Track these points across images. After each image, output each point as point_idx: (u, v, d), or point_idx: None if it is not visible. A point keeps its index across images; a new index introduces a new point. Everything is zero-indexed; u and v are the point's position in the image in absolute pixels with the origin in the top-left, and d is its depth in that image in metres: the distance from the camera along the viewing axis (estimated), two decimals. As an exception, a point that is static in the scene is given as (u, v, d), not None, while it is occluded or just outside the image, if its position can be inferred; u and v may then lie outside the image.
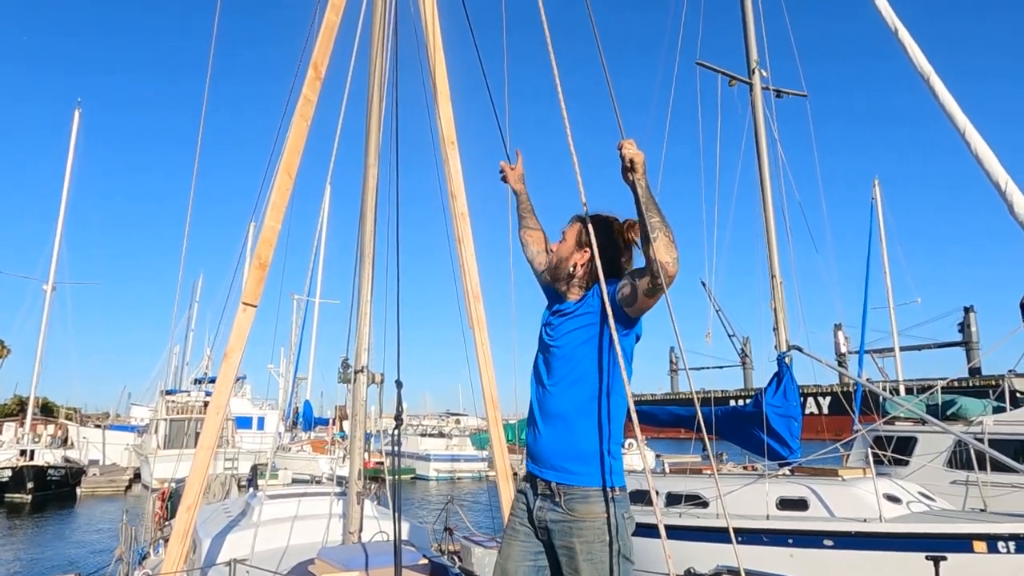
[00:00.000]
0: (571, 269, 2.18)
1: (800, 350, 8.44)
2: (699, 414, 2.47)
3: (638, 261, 2.09)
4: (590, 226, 2.13)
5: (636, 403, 2.18)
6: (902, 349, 22.54)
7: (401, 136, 5.19)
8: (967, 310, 49.14)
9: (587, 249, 2.14)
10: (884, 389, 15.87)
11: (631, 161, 1.89)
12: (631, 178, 1.91)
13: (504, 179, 2.64)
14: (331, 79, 4.89)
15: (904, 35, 6.75)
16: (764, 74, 9.00)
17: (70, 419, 33.49)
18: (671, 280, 1.91)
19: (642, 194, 1.91)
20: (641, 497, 7.97)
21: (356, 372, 3.88)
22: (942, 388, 10.89)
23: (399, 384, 2.83)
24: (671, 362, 66.94)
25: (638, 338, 2.12)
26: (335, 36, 4.56)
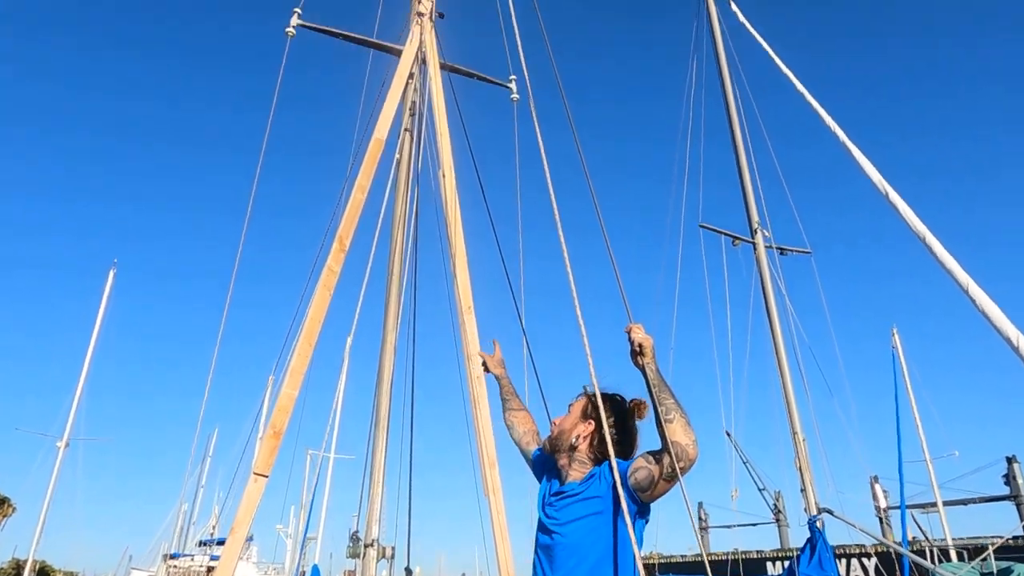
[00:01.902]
0: (574, 440, 2.10)
1: (831, 513, 8.00)
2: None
3: (645, 444, 2.06)
4: (599, 398, 2.11)
5: (665, 566, 2.06)
6: (945, 504, 21.13)
7: (418, 298, 5.40)
8: (1010, 460, 46.50)
9: (591, 421, 2.10)
10: (932, 551, 14.71)
11: (640, 345, 1.93)
12: (641, 362, 1.93)
13: (485, 367, 2.72)
14: (352, 247, 5.21)
15: (895, 197, 7.09)
16: (767, 234, 9.39)
17: (66, 586, 31.69)
18: (691, 463, 1.85)
19: (652, 377, 1.91)
20: None
21: (366, 546, 3.75)
22: (996, 549, 10.08)
23: (408, 572, 2.74)
24: (700, 519, 62.98)
25: (647, 521, 2.01)
26: (360, 212, 4.92)
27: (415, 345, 4.99)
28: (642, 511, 1.97)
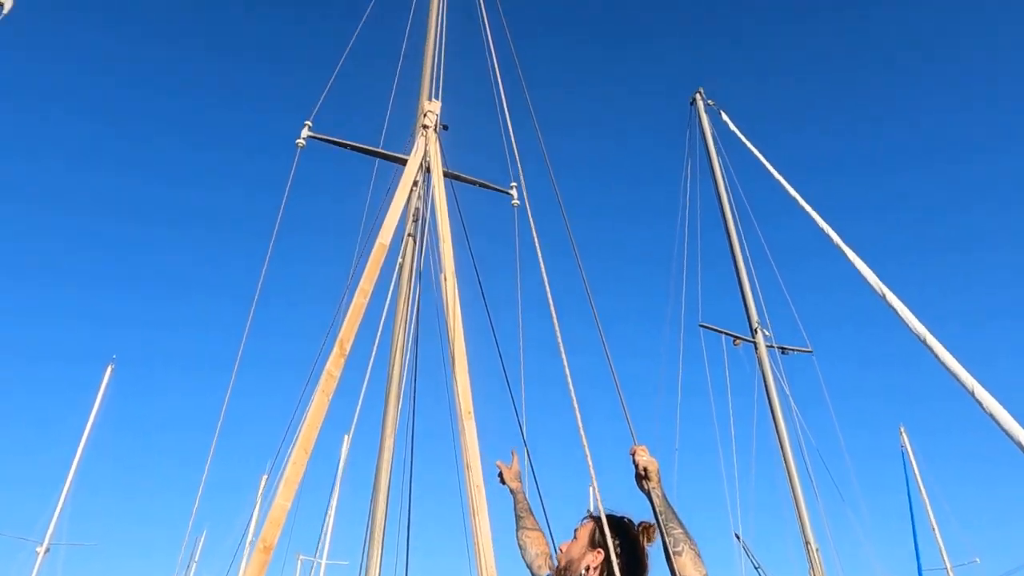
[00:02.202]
0: (583, 572, 2.00)
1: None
2: None
3: (657, 570, 1.97)
4: (605, 525, 2.03)
5: None
6: (971, 615, 19.88)
7: (418, 404, 5.33)
8: (1034, 566, 44.30)
9: (600, 550, 1.99)
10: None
11: (645, 469, 1.87)
12: (646, 487, 1.87)
13: (501, 479, 2.65)
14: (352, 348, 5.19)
15: (892, 299, 7.11)
16: (767, 333, 9.43)
17: None
18: None
19: (659, 503, 1.85)
20: None
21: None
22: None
23: None
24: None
25: None
26: (362, 317, 4.94)
27: (414, 450, 4.87)
28: None
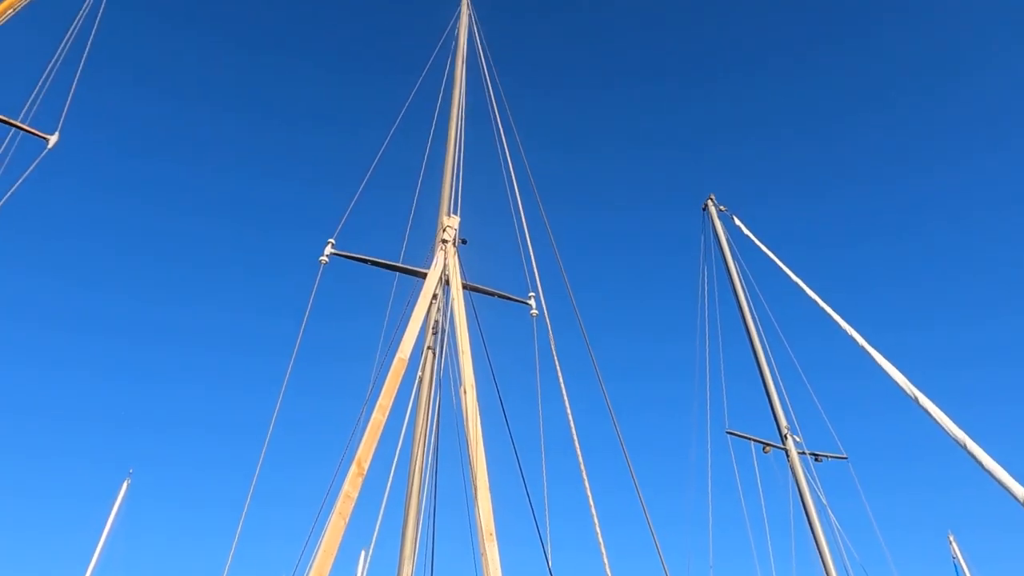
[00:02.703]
0: None
1: None
2: None
3: None
4: None
5: None
6: None
7: (438, 518, 5.13)
8: None
9: None
10: None
11: None
12: None
13: None
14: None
15: (925, 401, 6.85)
16: (798, 439, 9.07)
17: None
18: None
19: None
20: None
21: None
22: None
23: None
24: None
25: None
26: (380, 435, 4.86)
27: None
28: None
